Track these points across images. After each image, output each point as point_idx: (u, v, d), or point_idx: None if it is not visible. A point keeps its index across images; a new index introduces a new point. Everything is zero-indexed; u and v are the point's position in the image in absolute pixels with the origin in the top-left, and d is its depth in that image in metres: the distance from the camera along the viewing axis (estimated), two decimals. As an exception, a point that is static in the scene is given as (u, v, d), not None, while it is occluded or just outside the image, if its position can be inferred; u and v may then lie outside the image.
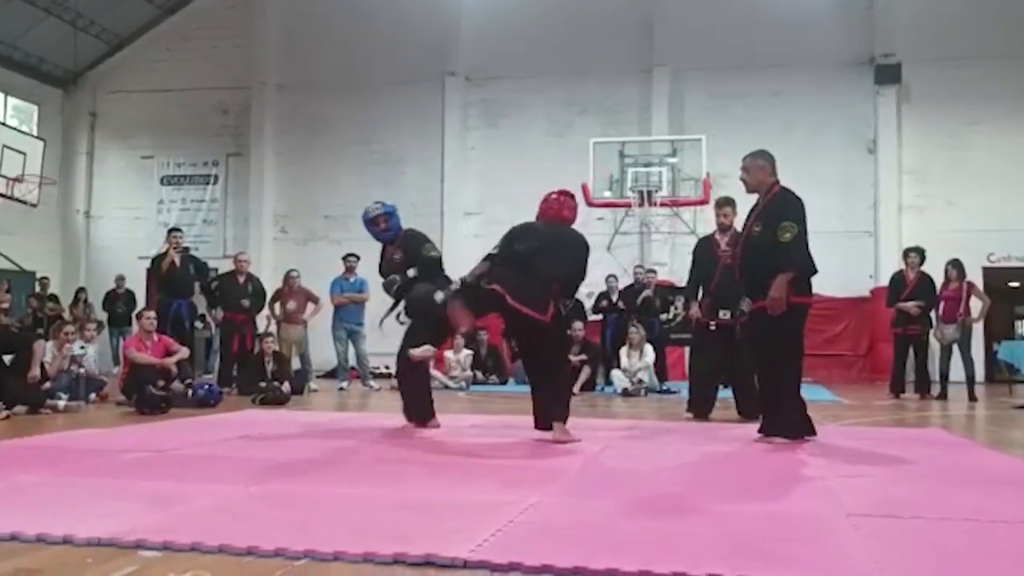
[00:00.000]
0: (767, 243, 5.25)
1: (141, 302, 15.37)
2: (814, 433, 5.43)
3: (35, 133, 16.19)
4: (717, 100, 15.65)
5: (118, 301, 14.96)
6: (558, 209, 5.58)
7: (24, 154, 14.18)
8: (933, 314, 10.21)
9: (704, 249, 7.38)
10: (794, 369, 5.48)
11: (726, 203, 7.29)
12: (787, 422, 5.36)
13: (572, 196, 5.74)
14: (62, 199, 17.61)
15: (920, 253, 10.38)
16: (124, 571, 2.31)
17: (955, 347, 10.03)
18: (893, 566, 2.39)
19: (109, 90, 17.97)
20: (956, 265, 10.19)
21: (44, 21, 16.15)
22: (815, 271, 5.40)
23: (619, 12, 16.02)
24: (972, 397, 9.76)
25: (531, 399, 5.47)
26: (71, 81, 17.88)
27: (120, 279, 15.25)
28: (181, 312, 9.99)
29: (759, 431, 5.48)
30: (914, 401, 9.80)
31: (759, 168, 5.48)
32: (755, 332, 5.55)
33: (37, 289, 15.07)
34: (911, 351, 10.33)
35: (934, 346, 10.45)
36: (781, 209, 5.30)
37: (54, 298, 14.83)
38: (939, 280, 10.24)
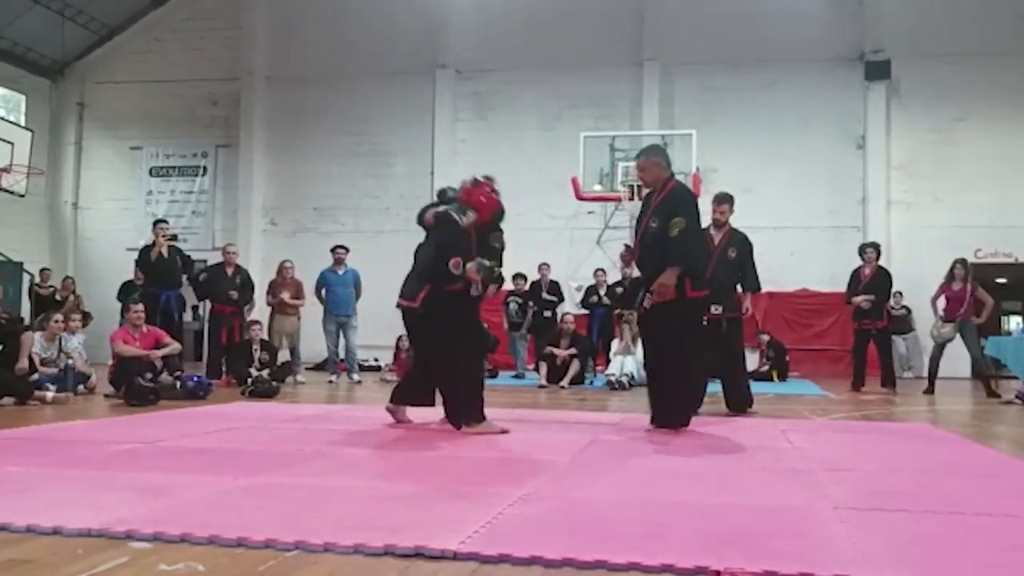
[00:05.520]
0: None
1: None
2: None
3: (22, 123, 16.08)
4: (708, 95, 15.68)
5: (134, 292, 14.87)
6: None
7: (11, 144, 14.08)
8: (939, 311, 10.13)
9: None
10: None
11: (723, 200, 7.34)
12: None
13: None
14: (50, 190, 17.53)
15: (876, 248, 10.53)
16: (115, 562, 2.31)
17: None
18: (879, 558, 2.41)
19: (97, 80, 17.88)
20: (964, 264, 10.12)
21: (31, 10, 16.05)
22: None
23: (610, 5, 16.04)
24: (991, 392, 9.63)
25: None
26: (59, 71, 17.78)
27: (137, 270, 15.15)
28: (170, 304, 9.97)
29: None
30: (878, 394, 9.79)
31: (654, 165, 5.68)
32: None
33: (37, 280, 14.99)
34: (872, 345, 10.35)
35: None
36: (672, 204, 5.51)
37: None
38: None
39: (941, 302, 10.22)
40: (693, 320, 5.64)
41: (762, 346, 13.14)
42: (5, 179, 14.01)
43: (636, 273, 11.83)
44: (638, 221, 5.80)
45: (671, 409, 5.50)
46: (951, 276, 10.16)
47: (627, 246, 6.09)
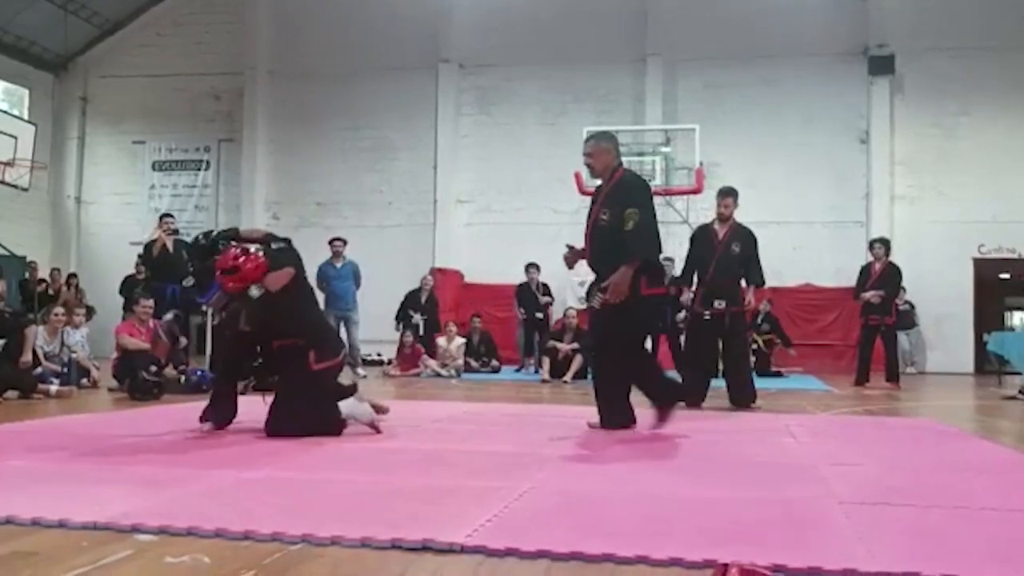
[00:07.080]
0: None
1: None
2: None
3: (26, 117, 16.09)
4: (711, 90, 15.66)
5: (136, 287, 14.88)
6: None
7: (15, 138, 14.08)
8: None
9: (702, 237, 7.38)
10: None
11: (727, 193, 7.30)
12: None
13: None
14: (53, 184, 17.54)
15: (885, 244, 10.55)
16: (120, 555, 2.31)
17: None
18: (884, 552, 2.41)
19: (100, 74, 17.89)
20: None
21: (35, 4, 16.05)
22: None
23: (613, 1, 16.00)
24: None
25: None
26: (62, 65, 17.79)
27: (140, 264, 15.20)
28: (176, 297, 9.94)
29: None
30: (881, 389, 9.74)
31: (604, 152, 5.20)
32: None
33: (26, 275, 14.98)
34: (879, 341, 10.30)
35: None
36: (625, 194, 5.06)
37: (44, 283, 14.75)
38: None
39: None
40: (647, 320, 5.28)
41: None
42: (8, 173, 14.01)
43: None
44: (588, 214, 5.28)
45: (613, 410, 5.17)
46: None
47: (570, 247, 5.36)
